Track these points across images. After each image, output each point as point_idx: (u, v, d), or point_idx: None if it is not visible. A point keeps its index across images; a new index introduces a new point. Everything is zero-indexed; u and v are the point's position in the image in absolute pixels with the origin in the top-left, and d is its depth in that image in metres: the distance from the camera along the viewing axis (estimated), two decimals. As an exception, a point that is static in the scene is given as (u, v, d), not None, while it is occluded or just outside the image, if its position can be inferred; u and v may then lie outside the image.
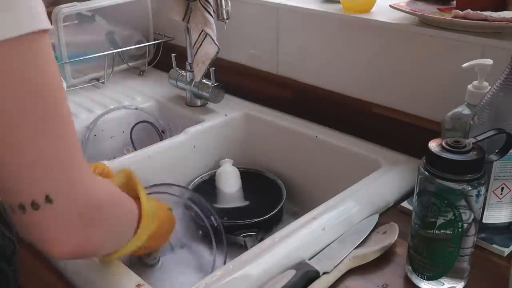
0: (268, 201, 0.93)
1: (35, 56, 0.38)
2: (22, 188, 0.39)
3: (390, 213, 0.74)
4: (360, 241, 0.66)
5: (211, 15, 0.96)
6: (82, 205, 0.43)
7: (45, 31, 0.39)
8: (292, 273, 0.59)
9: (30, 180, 0.39)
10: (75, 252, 0.44)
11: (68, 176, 0.42)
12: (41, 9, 0.39)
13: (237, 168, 1.01)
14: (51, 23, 1.07)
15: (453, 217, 0.54)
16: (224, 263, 0.75)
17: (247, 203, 0.94)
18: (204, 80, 1.04)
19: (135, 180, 0.61)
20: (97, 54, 1.15)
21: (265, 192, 0.96)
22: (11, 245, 0.58)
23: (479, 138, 0.56)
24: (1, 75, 0.36)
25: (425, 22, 0.83)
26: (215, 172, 1.00)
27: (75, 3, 1.13)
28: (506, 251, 0.64)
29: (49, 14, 1.10)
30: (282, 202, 0.91)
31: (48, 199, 0.40)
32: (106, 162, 0.85)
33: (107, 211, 0.48)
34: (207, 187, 0.98)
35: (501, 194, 0.65)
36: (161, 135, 1.08)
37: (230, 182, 0.95)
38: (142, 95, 1.15)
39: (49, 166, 0.40)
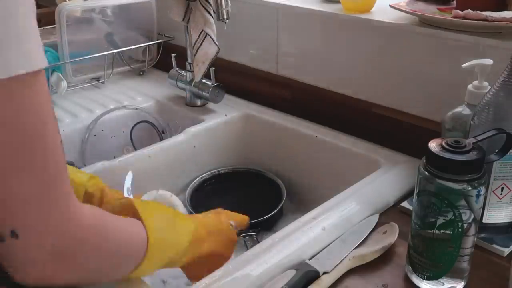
0: (268, 201, 0.93)
1: (21, 96, 0.37)
2: None
3: (390, 213, 0.74)
4: (360, 241, 0.66)
5: (211, 15, 0.96)
6: (54, 237, 0.41)
7: (37, 71, 0.38)
8: (292, 273, 0.59)
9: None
10: (41, 283, 0.43)
11: (40, 213, 0.40)
12: (34, 46, 0.38)
13: (237, 168, 1.01)
14: (54, 22, 1.08)
15: (453, 217, 0.54)
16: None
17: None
18: (204, 80, 1.04)
19: (136, 207, 0.56)
20: (98, 54, 1.15)
21: (265, 192, 0.96)
22: None
23: (479, 138, 0.56)
24: None
25: (425, 22, 0.83)
26: (215, 172, 1.00)
27: (80, 1, 1.13)
28: (506, 251, 0.64)
29: (52, 13, 1.10)
30: (282, 202, 0.91)
31: (13, 234, 0.39)
32: (106, 162, 0.86)
33: (89, 243, 0.45)
34: (207, 187, 0.98)
35: (501, 194, 0.65)
36: (161, 135, 1.08)
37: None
38: (142, 95, 1.15)
39: (19, 204, 0.39)
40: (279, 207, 0.89)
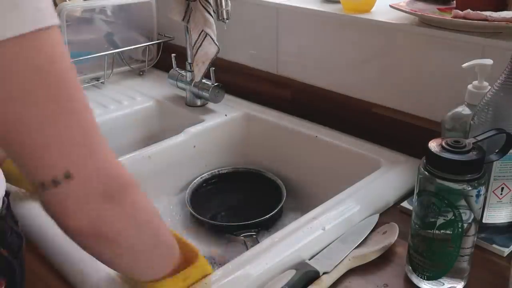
0: (268, 201, 0.93)
1: (40, 49, 0.39)
2: (42, 167, 0.41)
3: (390, 213, 0.74)
4: (360, 241, 0.66)
5: (211, 15, 0.96)
6: (104, 179, 0.43)
7: (49, 27, 0.39)
8: (292, 273, 0.59)
9: (49, 159, 0.41)
10: (91, 229, 0.44)
11: (88, 152, 0.42)
12: (46, 4, 0.39)
13: (238, 168, 1.01)
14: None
15: (453, 217, 0.54)
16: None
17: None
18: (204, 80, 1.04)
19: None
20: (98, 54, 1.15)
21: (265, 192, 0.96)
22: (18, 240, 0.59)
23: (479, 138, 0.56)
24: (8, 68, 0.38)
25: (425, 22, 0.83)
26: (215, 172, 1.00)
27: (80, 1, 1.13)
28: (506, 251, 0.64)
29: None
30: (282, 202, 0.91)
31: (67, 175, 0.41)
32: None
33: (132, 197, 0.46)
34: (207, 187, 0.98)
35: (501, 194, 0.65)
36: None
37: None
38: (142, 95, 1.15)
39: (67, 145, 0.41)
40: (279, 207, 0.89)
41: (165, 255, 0.53)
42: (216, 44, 0.96)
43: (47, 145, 0.40)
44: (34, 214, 0.69)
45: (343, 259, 0.62)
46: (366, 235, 0.67)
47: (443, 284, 0.58)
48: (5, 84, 0.38)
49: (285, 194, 0.92)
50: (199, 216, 0.88)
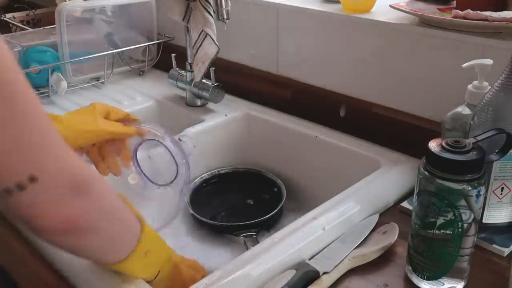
0: (268, 201, 0.93)
1: None
2: (4, 173, 0.40)
3: (390, 213, 0.74)
4: (360, 241, 0.66)
5: (211, 15, 0.96)
6: (68, 176, 0.44)
7: None
8: (292, 273, 0.59)
9: (9, 165, 0.40)
10: (67, 224, 0.45)
11: (48, 152, 0.42)
12: None
13: (238, 168, 1.01)
14: (54, 22, 1.08)
15: (453, 217, 0.54)
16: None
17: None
18: (204, 80, 1.04)
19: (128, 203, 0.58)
20: (98, 54, 1.15)
21: (265, 192, 0.96)
22: None
23: (479, 138, 0.56)
24: None
25: (425, 22, 0.83)
26: (215, 172, 0.99)
27: (80, 1, 1.13)
28: (506, 251, 0.64)
29: (52, 13, 1.10)
30: (282, 202, 0.91)
31: (32, 178, 0.41)
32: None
33: (96, 187, 0.47)
34: (207, 187, 0.98)
35: (501, 194, 0.65)
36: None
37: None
38: (142, 95, 1.15)
39: (26, 148, 0.41)
40: (279, 207, 0.89)
41: (132, 235, 0.55)
42: (216, 44, 0.96)
43: (5, 151, 0.39)
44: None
45: (343, 259, 0.62)
46: (366, 235, 0.67)
47: (443, 284, 0.58)
48: None
49: (285, 194, 0.92)
50: (199, 216, 0.88)
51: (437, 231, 0.55)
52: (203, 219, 0.88)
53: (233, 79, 1.13)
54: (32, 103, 0.41)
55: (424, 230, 0.56)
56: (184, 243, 0.85)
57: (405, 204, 0.74)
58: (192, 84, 1.06)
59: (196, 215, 0.88)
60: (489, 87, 0.65)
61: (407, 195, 0.76)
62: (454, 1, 0.88)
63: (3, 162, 0.40)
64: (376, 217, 0.71)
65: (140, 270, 0.58)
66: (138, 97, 1.14)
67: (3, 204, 0.42)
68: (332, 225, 0.68)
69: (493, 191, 0.64)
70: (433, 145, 0.55)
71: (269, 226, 0.88)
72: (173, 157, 0.72)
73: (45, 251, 0.65)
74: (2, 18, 1.48)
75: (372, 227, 0.69)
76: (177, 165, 0.72)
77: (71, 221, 0.45)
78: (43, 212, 0.43)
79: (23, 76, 0.41)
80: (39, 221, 0.43)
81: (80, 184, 0.45)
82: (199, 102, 1.08)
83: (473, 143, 0.55)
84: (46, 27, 1.30)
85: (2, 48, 0.39)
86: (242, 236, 0.84)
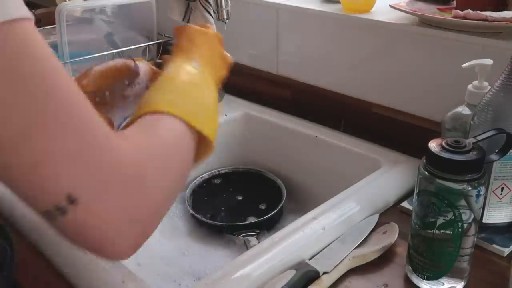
0: (268, 201, 0.93)
1: (15, 42, 0.34)
2: (38, 194, 0.35)
3: (390, 213, 0.74)
4: (360, 241, 0.66)
5: (211, 15, 0.96)
6: (117, 177, 0.37)
7: (17, 20, 0.34)
8: (292, 273, 0.59)
9: (42, 183, 0.34)
10: (134, 244, 0.39)
11: (86, 165, 0.35)
12: None
13: (238, 168, 1.01)
14: (54, 22, 1.08)
15: (453, 217, 0.54)
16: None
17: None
18: (204, 80, 1.04)
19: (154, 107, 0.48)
20: (98, 54, 1.15)
21: (265, 192, 0.96)
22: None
23: (479, 138, 0.56)
24: None
25: (425, 22, 0.83)
26: (215, 172, 1.00)
27: (80, 1, 1.13)
28: (506, 251, 0.64)
29: (52, 13, 1.10)
30: (282, 202, 0.91)
31: (71, 200, 0.35)
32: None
33: (148, 172, 0.40)
34: (207, 187, 0.98)
35: (501, 194, 0.65)
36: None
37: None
38: (142, 95, 1.15)
39: (60, 163, 0.34)
40: (279, 207, 0.89)
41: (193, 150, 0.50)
42: (216, 44, 0.96)
43: (35, 165, 0.34)
44: (35, 216, 0.69)
45: (343, 259, 0.62)
46: (366, 235, 0.67)
47: (443, 284, 0.58)
48: None
49: (285, 194, 0.92)
50: (199, 216, 0.88)
51: (437, 231, 0.55)
52: (203, 219, 0.88)
53: (233, 79, 1.12)
54: (69, 101, 0.36)
55: (424, 230, 0.56)
56: (184, 243, 0.85)
57: (405, 204, 0.74)
58: (192, 84, 1.06)
59: (196, 215, 0.88)
60: (489, 87, 0.65)
61: (407, 195, 0.76)
62: (454, 1, 0.88)
63: (33, 178, 0.34)
64: (376, 217, 0.71)
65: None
66: (138, 97, 1.14)
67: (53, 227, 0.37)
68: (332, 225, 0.68)
69: (493, 191, 0.64)
70: (433, 145, 0.55)
71: (269, 226, 0.88)
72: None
73: (45, 251, 0.65)
74: (2, 18, 1.48)
75: (372, 227, 0.69)
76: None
77: (140, 218, 0.39)
78: (98, 238, 0.37)
79: (58, 70, 0.36)
80: (99, 249, 0.38)
81: (132, 180, 0.38)
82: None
83: (473, 143, 0.55)
84: (46, 27, 1.30)
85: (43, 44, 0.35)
86: (242, 236, 0.84)
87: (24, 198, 0.36)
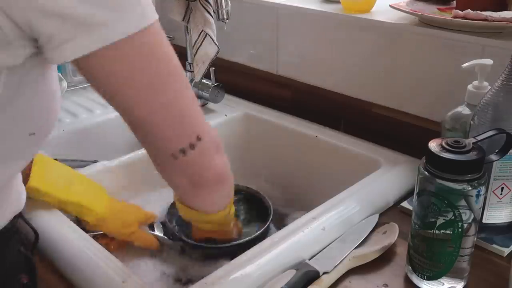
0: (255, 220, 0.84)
1: (151, 47, 0.47)
2: (180, 134, 0.52)
3: (390, 213, 0.74)
4: (360, 241, 0.66)
5: (211, 15, 0.96)
6: (214, 137, 0.56)
7: (152, 23, 0.47)
8: (292, 273, 0.59)
9: (183, 130, 0.52)
10: (219, 175, 0.58)
11: (202, 117, 0.54)
12: (146, 1, 0.46)
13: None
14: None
15: (453, 217, 0.54)
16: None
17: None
18: (204, 80, 1.04)
19: None
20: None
21: (253, 210, 0.86)
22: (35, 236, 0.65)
23: (479, 138, 0.56)
24: (137, 64, 0.46)
25: (425, 22, 0.83)
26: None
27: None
28: (506, 251, 0.64)
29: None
30: (268, 224, 0.79)
31: (199, 138, 0.53)
32: (105, 162, 0.86)
33: (222, 146, 0.59)
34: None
35: (501, 194, 0.65)
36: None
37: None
38: (142, 95, 1.15)
39: (192, 115, 0.53)
40: (262, 229, 0.78)
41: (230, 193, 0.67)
42: (216, 44, 0.96)
43: (178, 119, 0.51)
44: (35, 216, 0.69)
45: (343, 259, 0.62)
46: (366, 235, 0.67)
47: (443, 284, 0.58)
48: (148, 73, 0.47)
49: (271, 215, 0.82)
50: (186, 239, 0.76)
51: (437, 231, 0.55)
52: (186, 239, 0.76)
53: (233, 79, 1.13)
54: (186, 79, 0.52)
55: (424, 230, 0.56)
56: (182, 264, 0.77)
57: (405, 204, 0.74)
58: (192, 84, 1.06)
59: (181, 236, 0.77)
60: (489, 87, 0.65)
61: (407, 195, 0.76)
62: (454, 1, 0.88)
63: (181, 125, 0.51)
64: (376, 217, 0.71)
65: (222, 218, 0.69)
66: (138, 97, 1.14)
67: (170, 167, 0.55)
68: (332, 225, 0.68)
69: (493, 191, 0.64)
70: (433, 145, 0.55)
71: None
72: None
73: (45, 251, 0.66)
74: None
75: (372, 227, 0.69)
76: None
77: (221, 172, 0.58)
78: (207, 164, 0.55)
79: (176, 61, 0.50)
80: (204, 171, 0.55)
81: (218, 142, 0.57)
82: (199, 102, 1.08)
83: (473, 143, 0.55)
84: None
85: (158, 27, 0.48)
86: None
87: (158, 142, 0.52)
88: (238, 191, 0.87)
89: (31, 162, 0.69)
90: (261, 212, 0.85)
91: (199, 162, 0.54)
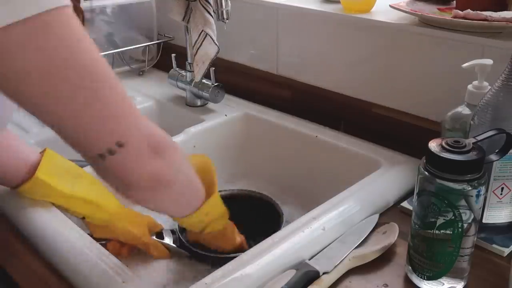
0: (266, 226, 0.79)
1: (60, 30, 0.41)
2: (96, 142, 0.47)
3: (390, 213, 0.74)
4: (360, 241, 0.66)
5: (211, 15, 0.96)
6: (148, 140, 0.50)
7: (63, 7, 0.40)
8: (292, 273, 0.59)
9: (101, 134, 0.46)
10: (152, 181, 0.52)
11: (130, 121, 0.48)
12: None
13: (233, 190, 0.89)
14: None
15: (453, 217, 0.54)
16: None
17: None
18: (204, 80, 1.04)
19: (211, 168, 0.69)
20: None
21: (264, 215, 0.84)
22: None
23: (479, 138, 0.56)
24: (38, 52, 0.40)
25: (425, 22, 0.83)
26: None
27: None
28: (506, 251, 0.64)
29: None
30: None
31: (119, 144, 0.47)
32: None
33: (171, 148, 0.54)
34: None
35: (501, 194, 0.65)
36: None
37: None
38: (142, 95, 1.15)
39: (113, 120, 0.46)
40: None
41: (197, 197, 0.64)
42: (216, 44, 0.96)
43: (95, 123, 0.45)
44: (35, 216, 0.69)
45: (343, 259, 0.62)
46: (366, 235, 0.67)
47: (443, 284, 0.58)
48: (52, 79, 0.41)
49: (283, 223, 0.79)
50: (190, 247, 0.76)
51: (437, 231, 0.55)
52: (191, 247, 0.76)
53: (233, 79, 1.13)
54: (113, 77, 0.46)
55: (424, 230, 0.56)
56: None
57: (405, 204, 0.74)
58: (192, 84, 1.06)
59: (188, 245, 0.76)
60: (489, 87, 0.65)
61: (407, 195, 0.76)
62: (454, 1, 0.88)
63: (95, 131, 0.46)
64: (376, 217, 0.71)
65: (196, 225, 0.68)
66: (138, 97, 1.14)
67: (96, 169, 0.50)
68: (332, 225, 0.68)
69: (493, 191, 0.64)
70: (433, 145, 0.55)
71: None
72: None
73: (45, 251, 0.65)
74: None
75: (372, 227, 0.69)
76: None
77: (154, 177, 0.52)
78: (132, 171, 0.50)
79: (98, 51, 0.45)
80: (127, 177, 0.50)
81: (157, 145, 0.52)
82: (199, 102, 1.08)
83: (473, 143, 0.55)
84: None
85: (81, 32, 0.43)
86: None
87: (79, 145, 0.47)
88: (250, 197, 0.88)
89: (42, 153, 0.69)
90: (272, 219, 0.82)
91: (121, 168, 0.49)
